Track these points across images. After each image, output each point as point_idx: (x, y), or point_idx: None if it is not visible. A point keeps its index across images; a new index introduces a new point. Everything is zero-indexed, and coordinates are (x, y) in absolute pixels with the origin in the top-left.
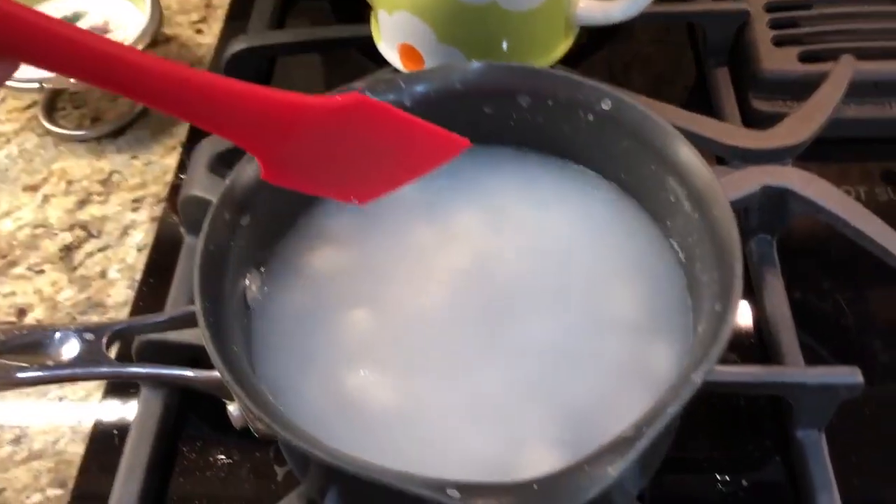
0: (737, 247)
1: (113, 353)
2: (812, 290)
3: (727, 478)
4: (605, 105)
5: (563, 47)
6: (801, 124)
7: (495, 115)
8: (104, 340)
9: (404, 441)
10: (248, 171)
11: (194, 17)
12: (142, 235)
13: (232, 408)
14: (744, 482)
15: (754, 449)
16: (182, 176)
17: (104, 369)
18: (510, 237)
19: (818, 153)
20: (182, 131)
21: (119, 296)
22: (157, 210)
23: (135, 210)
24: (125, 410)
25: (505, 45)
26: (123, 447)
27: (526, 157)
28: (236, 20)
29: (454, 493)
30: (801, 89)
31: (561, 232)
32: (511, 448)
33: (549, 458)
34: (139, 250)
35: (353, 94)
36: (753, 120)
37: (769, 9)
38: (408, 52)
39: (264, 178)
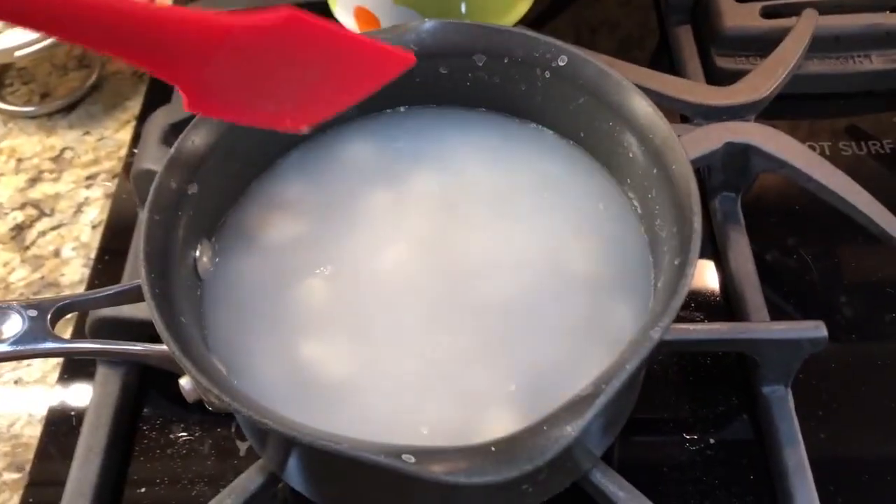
0: (695, 200)
1: (67, 332)
2: (777, 246)
3: (695, 436)
4: (562, 61)
5: (522, 7)
6: (763, 80)
7: (451, 76)
8: (48, 316)
9: (361, 410)
10: (196, 137)
11: None
12: (96, 212)
13: (184, 381)
14: (711, 440)
15: (721, 407)
16: (136, 150)
17: (49, 345)
18: (468, 199)
19: (781, 109)
20: (136, 105)
21: (74, 274)
22: (112, 186)
23: (88, 187)
24: (82, 391)
25: (463, 7)
26: (81, 429)
27: (483, 117)
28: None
29: (409, 458)
30: (763, 45)
31: (519, 192)
32: (471, 412)
33: (509, 420)
34: (94, 227)
35: (284, 9)
36: (717, 77)
37: None
38: (364, 15)
39: (188, 108)
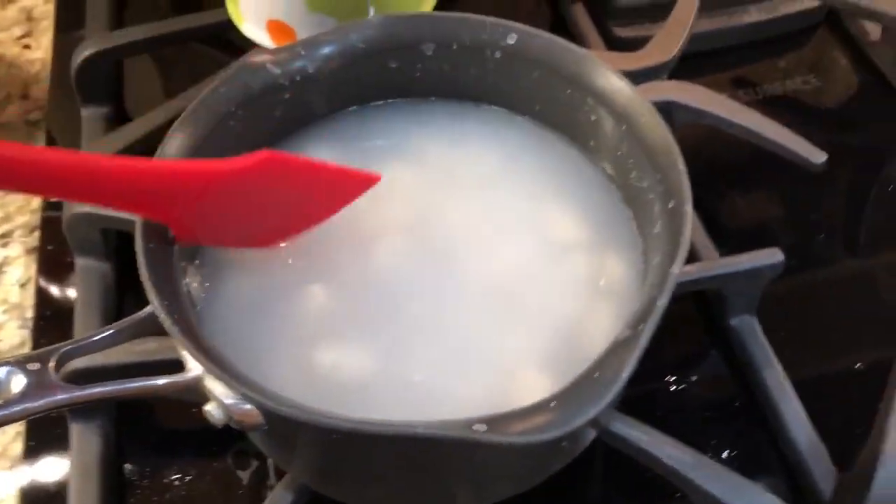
0: (673, 146)
1: None
2: (708, 191)
3: (676, 377)
4: (511, 39)
5: (429, 2)
6: (667, 41)
7: (401, 68)
8: (51, 365)
9: (390, 407)
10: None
11: (17, 32)
12: (20, 271)
13: (210, 406)
14: (693, 377)
15: (692, 346)
16: (52, 200)
17: (62, 396)
18: (443, 185)
19: (680, 69)
20: None
21: (12, 338)
22: (32, 240)
23: (5, 245)
24: (55, 458)
25: (372, 9)
26: (66, 493)
27: (438, 106)
28: (66, 31)
29: (481, 427)
30: (656, 11)
31: (490, 173)
32: (501, 384)
33: (542, 383)
34: (22, 286)
35: (260, 152)
36: (619, 46)
37: None
38: (277, 27)
39: (177, 242)
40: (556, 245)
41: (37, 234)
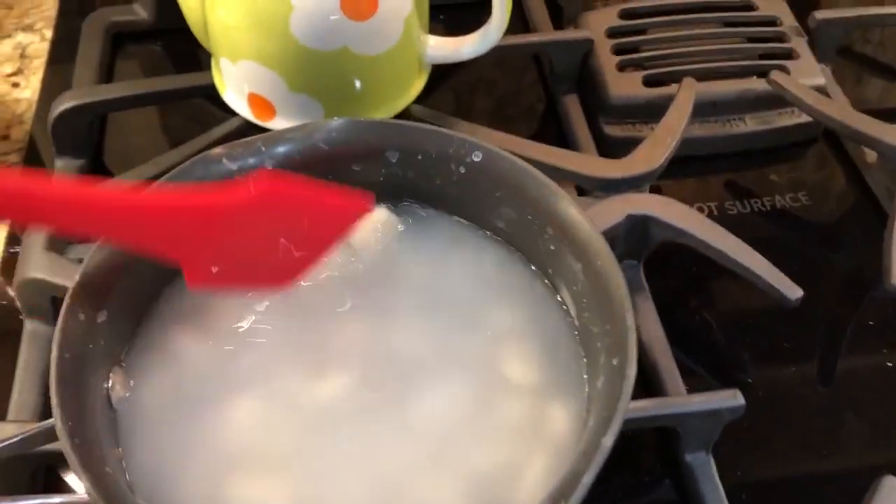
0: (625, 298)
1: None
2: (681, 309)
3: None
4: (476, 157)
5: (417, 86)
6: (654, 150)
7: (364, 171)
8: None
9: None
10: (99, 261)
11: (8, 69)
12: None
13: None
14: None
15: (645, 476)
16: (13, 250)
17: None
18: (396, 301)
19: (670, 171)
20: None
21: None
22: None
23: None
24: None
25: (359, 90)
26: None
27: (401, 210)
28: (58, 69)
29: None
30: (648, 112)
31: (444, 289)
32: None
33: None
34: None
35: (262, 179)
36: (606, 144)
37: (610, 34)
38: (258, 102)
39: (191, 286)
40: (502, 386)
41: None
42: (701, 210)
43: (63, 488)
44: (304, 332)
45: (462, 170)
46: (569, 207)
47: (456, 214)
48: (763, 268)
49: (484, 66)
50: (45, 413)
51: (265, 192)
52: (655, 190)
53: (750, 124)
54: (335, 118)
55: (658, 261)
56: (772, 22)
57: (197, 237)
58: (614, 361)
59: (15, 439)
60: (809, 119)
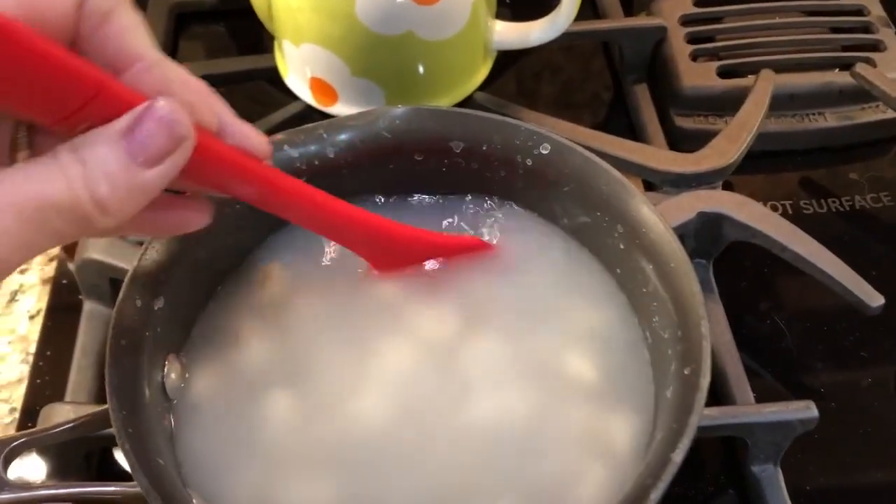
0: (700, 304)
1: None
2: (751, 312)
3: None
4: (544, 149)
5: (481, 73)
6: (727, 144)
7: (427, 161)
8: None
9: None
10: (158, 247)
11: None
12: (33, 300)
13: None
14: None
15: (710, 486)
16: None
17: (6, 496)
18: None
19: (742, 166)
20: None
21: (11, 372)
22: (49, 270)
23: (22, 272)
24: None
25: (422, 75)
26: None
27: (463, 202)
28: None
29: None
30: (721, 104)
31: (506, 290)
32: None
33: None
34: (31, 318)
35: (466, 238)
36: (676, 137)
37: (684, 22)
38: (320, 86)
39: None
40: (564, 391)
41: (55, 264)
42: (774, 209)
43: (117, 470)
44: (365, 328)
45: (529, 162)
46: (641, 206)
47: (521, 207)
48: (842, 272)
49: (550, 51)
50: (101, 395)
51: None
52: (727, 186)
53: (830, 119)
54: (399, 106)
55: (728, 260)
56: (858, 11)
57: (398, 257)
58: (686, 371)
59: (68, 426)
60: (895, 115)
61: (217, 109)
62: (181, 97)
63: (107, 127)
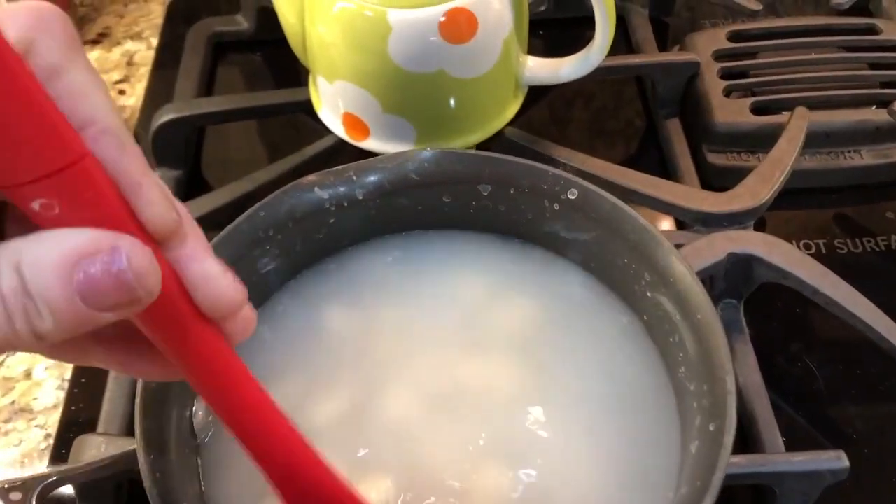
0: (727, 359)
1: None
2: (781, 353)
3: None
4: (571, 195)
5: (512, 109)
6: (760, 183)
7: (455, 203)
8: (33, 499)
9: None
10: None
11: (115, 76)
12: None
13: None
14: None
15: None
16: None
17: None
18: (485, 336)
19: (775, 202)
20: None
21: (47, 398)
22: None
23: None
24: None
25: (453, 112)
26: None
27: (490, 242)
28: (162, 75)
29: None
30: (755, 141)
31: (534, 326)
32: None
33: None
34: None
35: None
36: (708, 173)
37: (718, 57)
38: (352, 121)
39: None
40: (593, 433)
41: None
42: (808, 247)
43: (146, 500)
44: (383, 359)
45: (556, 206)
46: (669, 255)
47: (546, 249)
48: (876, 318)
49: (582, 83)
50: (131, 426)
51: None
52: (759, 222)
53: (866, 157)
54: (427, 149)
55: (759, 300)
56: None
57: None
58: (711, 427)
59: (99, 464)
60: None
61: (186, 231)
62: (133, 179)
63: (60, 247)
